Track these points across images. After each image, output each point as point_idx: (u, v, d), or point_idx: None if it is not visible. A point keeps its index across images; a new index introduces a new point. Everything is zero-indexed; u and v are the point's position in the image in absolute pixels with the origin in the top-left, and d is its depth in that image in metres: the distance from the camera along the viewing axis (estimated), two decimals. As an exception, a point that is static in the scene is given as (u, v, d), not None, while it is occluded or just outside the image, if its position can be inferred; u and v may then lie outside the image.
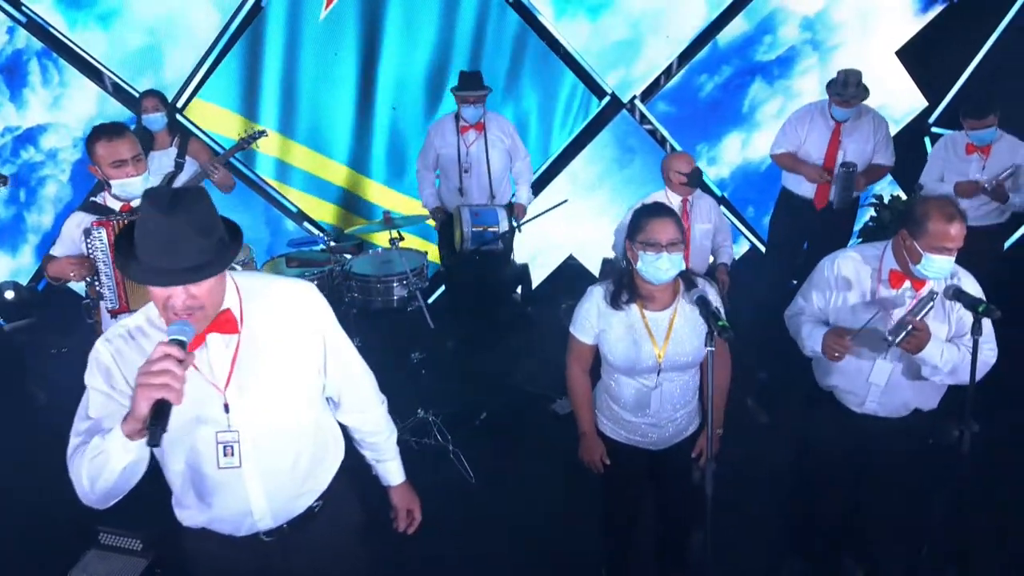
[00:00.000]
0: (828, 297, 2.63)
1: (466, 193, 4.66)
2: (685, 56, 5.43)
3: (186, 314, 1.61)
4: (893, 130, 5.40)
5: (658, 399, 2.53)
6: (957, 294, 2.33)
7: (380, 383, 2.11)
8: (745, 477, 3.47)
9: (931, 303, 2.33)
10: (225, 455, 1.78)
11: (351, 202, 5.48)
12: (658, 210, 2.46)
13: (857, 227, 5.15)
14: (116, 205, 2.96)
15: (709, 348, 2.14)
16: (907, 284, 2.48)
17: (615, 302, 2.49)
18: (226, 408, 1.76)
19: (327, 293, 4.03)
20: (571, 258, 5.69)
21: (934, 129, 5.47)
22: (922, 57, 5.36)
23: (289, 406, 1.84)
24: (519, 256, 5.38)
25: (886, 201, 5.19)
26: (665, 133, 5.54)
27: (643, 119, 5.49)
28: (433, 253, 5.10)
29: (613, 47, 5.36)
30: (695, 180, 4.12)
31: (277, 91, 5.15)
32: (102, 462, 1.59)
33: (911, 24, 5.37)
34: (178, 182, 4.40)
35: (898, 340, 2.33)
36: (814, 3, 5.41)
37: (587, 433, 2.68)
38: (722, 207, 5.73)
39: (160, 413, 1.49)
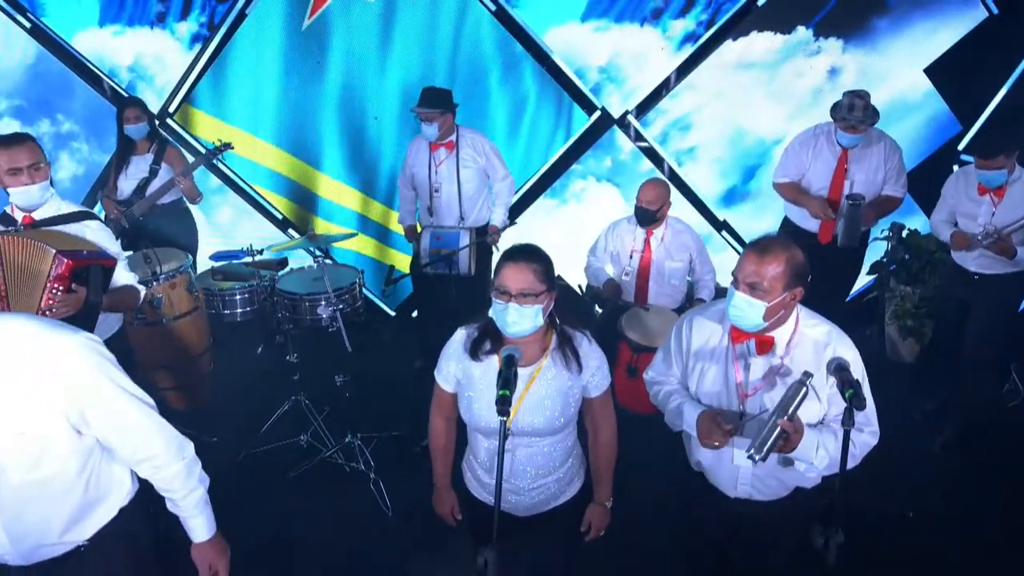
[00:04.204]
0: (683, 363, 2.30)
1: (435, 213, 4.44)
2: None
3: None
4: (923, 156, 4.89)
5: (509, 464, 2.26)
6: (838, 370, 1.95)
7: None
8: (663, 525, 3.17)
9: (804, 389, 1.92)
10: None
11: (332, 210, 5.41)
12: (522, 253, 2.16)
13: (869, 262, 4.65)
14: (20, 216, 2.97)
15: (500, 419, 1.87)
16: (750, 344, 2.11)
17: (474, 351, 2.24)
18: None
19: (256, 308, 4.03)
20: (558, 278, 5.41)
21: (963, 156, 4.86)
22: (956, 75, 4.77)
23: (31, 469, 1.74)
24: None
25: (904, 235, 4.65)
26: (662, 152, 5.17)
27: (638, 136, 5.14)
28: (402, 263, 5.01)
29: (608, 58, 5.03)
30: (643, 217, 3.83)
31: (261, 99, 5.13)
32: None
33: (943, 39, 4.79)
34: (151, 188, 4.56)
35: (763, 454, 1.93)
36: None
37: (437, 487, 2.50)
38: (725, 234, 5.35)
39: None
